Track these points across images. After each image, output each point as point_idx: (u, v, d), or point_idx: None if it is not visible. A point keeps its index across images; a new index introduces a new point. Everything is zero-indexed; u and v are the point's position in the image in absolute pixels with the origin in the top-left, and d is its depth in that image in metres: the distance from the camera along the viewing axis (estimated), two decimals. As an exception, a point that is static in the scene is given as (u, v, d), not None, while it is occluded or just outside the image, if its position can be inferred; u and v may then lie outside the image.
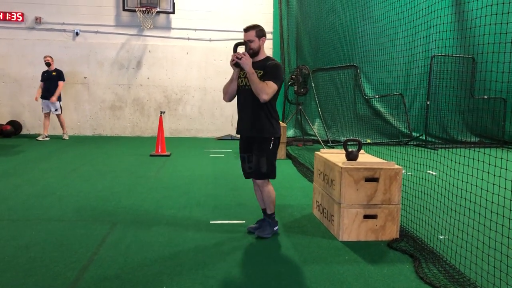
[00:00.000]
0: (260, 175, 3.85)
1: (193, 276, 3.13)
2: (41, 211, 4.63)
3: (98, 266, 3.24)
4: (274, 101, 3.87)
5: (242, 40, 3.85)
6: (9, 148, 8.94)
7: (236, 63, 3.73)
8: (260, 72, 3.77)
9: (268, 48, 11.49)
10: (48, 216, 4.47)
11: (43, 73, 10.30)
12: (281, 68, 3.83)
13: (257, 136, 3.84)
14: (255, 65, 3.80)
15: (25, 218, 4.38)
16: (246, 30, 3.83)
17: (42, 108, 10.27)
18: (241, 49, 3.78)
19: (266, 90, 3.66)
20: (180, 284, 3.01)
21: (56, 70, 10.31)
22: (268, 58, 3.91)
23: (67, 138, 10.50)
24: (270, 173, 3.87)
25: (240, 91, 3.92)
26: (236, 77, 3.89)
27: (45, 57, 10.25)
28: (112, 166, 7.29)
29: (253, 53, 3.83)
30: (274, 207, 4.02)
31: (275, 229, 4.05)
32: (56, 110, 10.20)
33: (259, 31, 3.84)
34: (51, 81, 10.15)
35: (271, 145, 3.84)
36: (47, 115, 10.27)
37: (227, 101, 4.06)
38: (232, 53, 3.83)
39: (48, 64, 10.20)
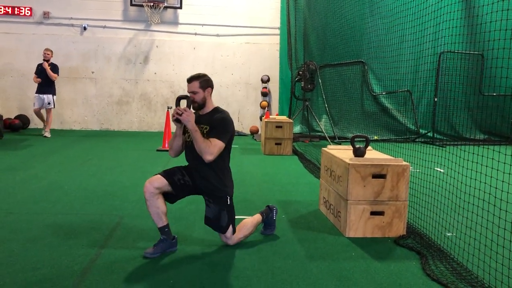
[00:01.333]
0: (219, 229, 3.54)
1: (200, 271, 3.14)
2: (48, 205, 4.66)
3: (105, 260, 3.26)
4: (226, 157, 3.56)
5: (185, 94, 3.53)
6: (17, 142, 9.00)
7: (177, 119, 3.37)
8: (206, 128, 3.44)
9: (275, 44, 11.49)
10: (55, 210, 4.49)
11: (38, 65, 9.87)
12: (229, 122, 3.48)
13: (213, 194, 3.53)
14: (201, 119, 3.49)
15: (33, 211, 4.41)
16: (189, 80, 3.50)
17: (34, 103, 9.82)
18: (184, 104, 3.47)
19: (210, 149, 3.30)
20: (187, 277, 3.02)
21: (51, 63, 9.87)
22: (216, 109, 3.56)
23: (49, 136, 9.86)
24: (228, 227, 3.53)
25: (187, 147, 3.56)
26: (180, 133, 3.55)
27: (46, 50, 9.86)
28: (119, 160, 7.32)
29: (198, 106, 3.50)
30: (254, 228, 3.76)
31: (274, 218, 3.94)
32: (49, 104, 9.81)
33: (203, 81, 3.49)
34: (46, 75, 9.73)
35: (229, 201, 3.55)
36: (38, 110, 9.84)
37: (173, 157, 3.71)
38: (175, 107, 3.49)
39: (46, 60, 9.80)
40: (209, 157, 3.32)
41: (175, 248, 3.51)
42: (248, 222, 3.74)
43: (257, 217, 3.85)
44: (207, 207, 3.56)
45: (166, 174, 3.47)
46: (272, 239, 3.84)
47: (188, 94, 3.52)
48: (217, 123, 3.44)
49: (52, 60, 10.00)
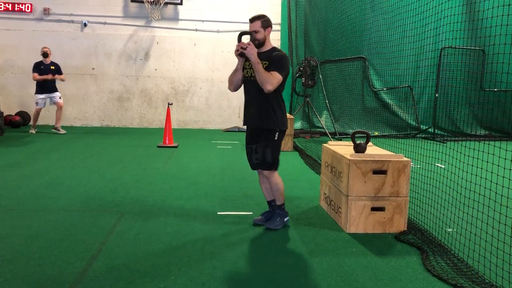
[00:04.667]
0: (265, 165, 3.84)
1: (201, 267, 3.15)
2: (50, 201, 4.67)
3: (106, 256, 3.27)
4: (280, 92, 3.84)
5: (247, 30, 3.77)
6: (18, 138, 9.00)
7: (240, 53, 3.67)
8: (265, 63, 3.72)
9: (275, 40, 11.45)
10: (57, 206, 4.50)
11: (39, 65, 9.59)
12: (287, 59, 3.79)
13: (263, 128, 3.82)
14: (261, 56, 3.74)
15: (34, 208, 4.42)
16: (252, 20, 3.78)
17: (37, 103, 9.64)
18: (246, 39, 3.71)
19: (271, 80, 3.62)
20: (188, 274, 3.02)
21: (54, 63, 9.78)
22: (274, 49, 3.86)
23: (64, 132, 9.95)
24: (274, 163, 3.85)
25: (246, 82, 3.89)
26: (241, 67, 3.85)
27: (44, 48, 9.71)
28: (120, 157, 7.33)
29: (258, 44, 3.77)
30: (283, 198, 4.01)
31: (285, 219, 4.04)
32: (60, 98, 9.79)
33: (265, 22, 3.78)
34: (52, 74, 9.62)
35: (276, 136, 3.82)
36: (39, 110, 9.81)
37: (232, 91, 4.05)
38: (236, 42, 3.77)
39: (45, 55, 9.62)
40: (269, 86, 3.62)
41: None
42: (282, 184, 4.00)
43: (282, 186, 4.01)
44: (255, 153, 3.88)
45: (251, 165, 3.99)
46: (273, 235, 3.85)
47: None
48: (277, 59, 3.72)
49: (54, 57, 9.92)
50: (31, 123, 10.28)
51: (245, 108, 3.97)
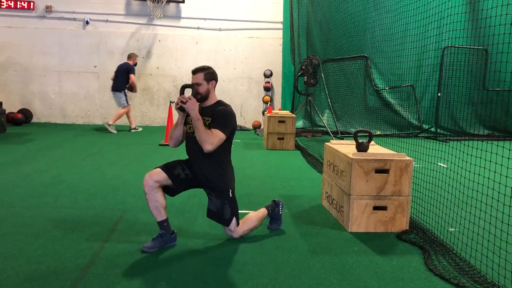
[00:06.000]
0: (223, 221, 3.56)
1: (203, 265, 3.14)
2: (51, 199, 4.67)
3: (108, 254, 3.27)
4: (227, 150, 3.57)
5: (190, 83, 3.53)
6: (19, 136, 9.01)
7: (180, 107, 3.36)
8: (208, 120, 3.44)
9: (278, 38, 11.46)
10: (58, 203, 4.50)
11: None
12: (232, 115, 3.48)
13: (212, 186, 3.53)
14: (204, 111, 3.48)
15: (36, 205, 4.42)
16: (194, 72, 3.51)
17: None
18: (189, 92, 3.46)
19: (211, 139, 3.29)
20: (189, 271, 3.02)
21: (129, 65, 10.18)
22: (218, 103, 3.56)
23: (139, 129, 10.48)
24: (231, 219, 3.55)
25: (188, 138, 3.58)
26: (182, 122, 3.52)
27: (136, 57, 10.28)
28: (122, 155, 7.33)
29: (201, 97, 3.48)
30: (262, 216, 3.79)
31: (280, 212, 3.94)
32: (121, 102, 10.13)
33: (208, 74, 3.50)
34: (122, 73, 10.01)
35: (230, 194, 3.54)
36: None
37: (172, 147, 3.67)
38: (178, 95, 3.47)
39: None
40: (209, 146, 3.30)
41: (174, 243, 3.50)
42: (252, 216, 3.75)
43: (262, 211, 3.85)
44: (209, 200, 3.57)
45: (166, 167, 3.47)
46: (274, 234, 3.84)
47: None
48: (220, 115, 3.43)
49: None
50: (131, 125, 10.48)
51: (189, 167, 3.56)
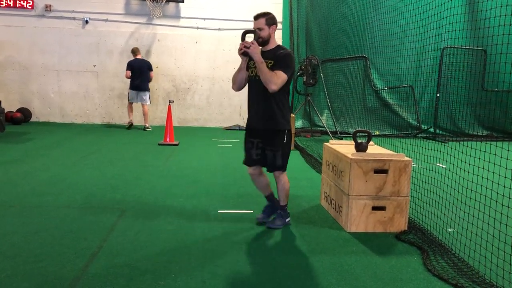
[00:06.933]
0: (275, 168, 3.83)
1: (202, 265, 3.15)
2: (50, 198, 4.67)
3: (107, 253, 3.27)
4: (286, 91, 3.77)
5: (251, 28, 3.71)
6: (19, 135, 9.00)
7: (244, 52, 3.58)
8: (270, 62, 3.63)
9: (277, 38, 11.43)
10: (57, 203, 4.50)
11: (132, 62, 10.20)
12: (292, 58, 3.72)
13: (270, 129, 3.75)
14: (265, 55, 3.66)
15: (35, 204, 4.42)
16: (256, 17, 3.68)
17: (132, 97, 10.32)
18: (250, 38, 3.65)
19: (275, 80, 3.53)
20: (189, 272, 3.02)
21: (146, 61, 10.36)
22: (279, 47, 3.77)
23: (150, 129, 10.54)
24: (284, 166, 3.83)
25: (250, 81, 3.81)
26: (245, 66, 3.75)
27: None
28: (121, 154, 7.33)
29: (262, 42, 3.68)
30: (287, 199, 3.99)
31: (287, 220, 4.04)
32: (145, 100, 10.30)
33: (269, 19, 3.68)
34: (141, 71, 10.13)
35: (285, 138, 3.77)
36: (131, 104, 10.48)
37: (235, 90, 3.96)
38: (240, 41, 3.70)
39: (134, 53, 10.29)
40: (274, 86, 3.54)
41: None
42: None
43: (288, 186, 4.01)
44: (256, 149, 3.89)
45: (249, 161, 3.93)
46: (273, 234, 3.85)
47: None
48: (281, 58, 3.63)
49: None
50: (145, 123, 10.60)
51: (250, 109, 3.88)
